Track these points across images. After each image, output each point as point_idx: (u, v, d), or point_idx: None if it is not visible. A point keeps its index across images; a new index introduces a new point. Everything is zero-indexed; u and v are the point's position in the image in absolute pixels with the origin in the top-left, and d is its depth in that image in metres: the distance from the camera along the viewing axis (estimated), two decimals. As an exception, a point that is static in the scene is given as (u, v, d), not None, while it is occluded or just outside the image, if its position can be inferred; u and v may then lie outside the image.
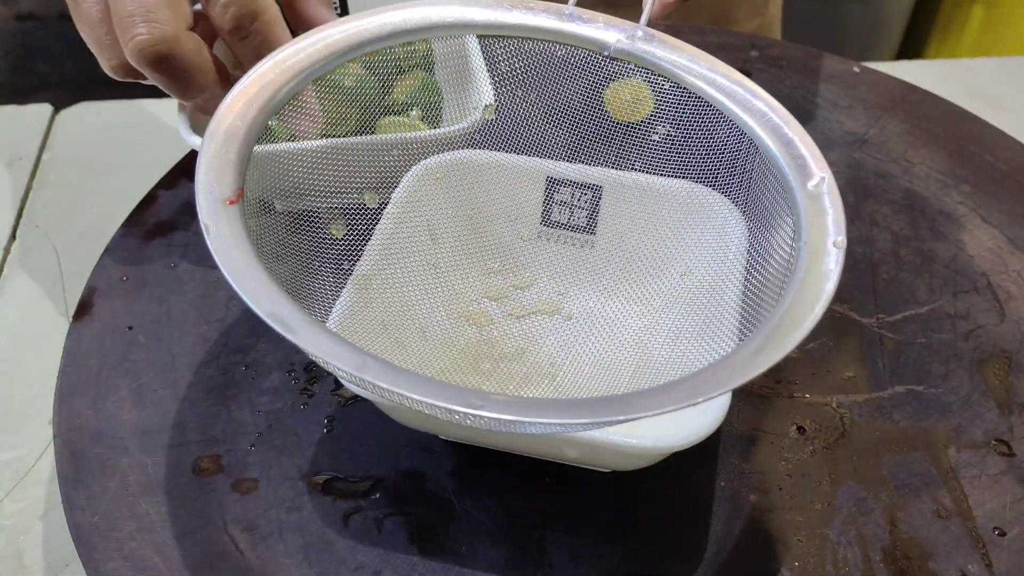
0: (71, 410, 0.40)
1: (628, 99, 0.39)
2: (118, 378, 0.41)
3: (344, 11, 0.51)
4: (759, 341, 0.28)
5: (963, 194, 0.53)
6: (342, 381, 0.34)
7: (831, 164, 0.34)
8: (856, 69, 0.63)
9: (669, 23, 0.65)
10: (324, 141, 0.38)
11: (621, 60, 0.38)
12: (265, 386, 0.41)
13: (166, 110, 0.64)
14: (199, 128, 0.45)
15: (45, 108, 0.64)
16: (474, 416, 0.26)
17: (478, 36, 0.39)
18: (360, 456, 0.38)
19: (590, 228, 0.42)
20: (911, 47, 1.46)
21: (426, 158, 0.41)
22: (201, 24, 0.38)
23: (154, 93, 0.65)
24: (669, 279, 0.41)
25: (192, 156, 0.32)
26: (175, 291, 0.45)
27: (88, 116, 0.64)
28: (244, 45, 0.37)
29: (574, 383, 0.39)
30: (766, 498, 0.37)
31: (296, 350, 0.42)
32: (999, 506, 0.37)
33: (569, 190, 0.42)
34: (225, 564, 0.35)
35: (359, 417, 0.40)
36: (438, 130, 0.42)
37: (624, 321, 0.41)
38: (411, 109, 0.42)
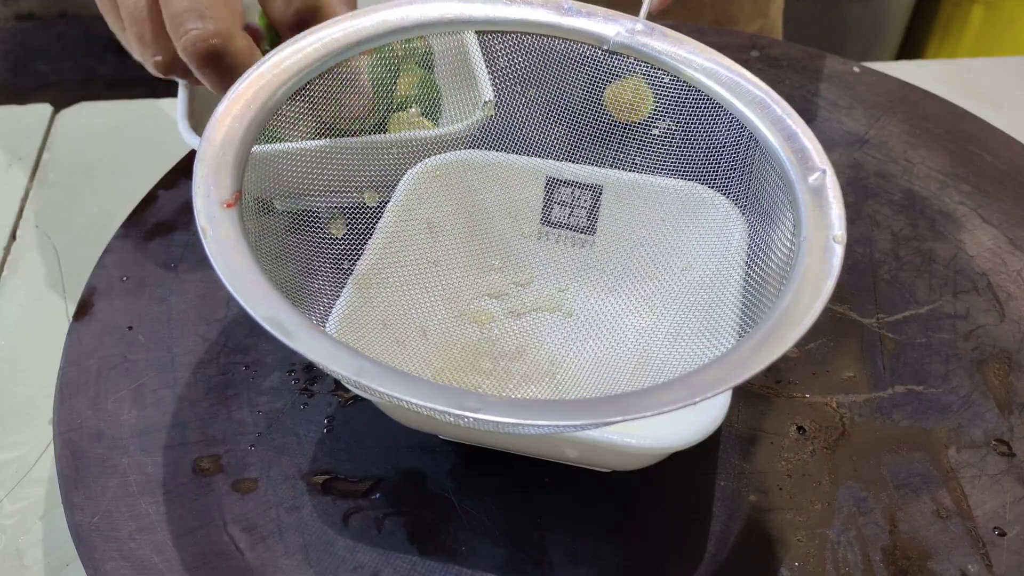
0: (71, 410, 0.40)
1: (629, 99, 0.39)
2: (118, 378, 0.41)
3: None
4: (758, 338, 0.28)
5: (963, 194, 0.53)
6: (343, 382, 0.34)
7: (831, 164, 0.34)
8: (856, 69, 0.63)
9: (671, 23, 0.65)
10: (324, 141, 0.38)
11: (621, 54, 0.38)
12: (265, 386, 0.41)
13: (166, 110, 0.64)
14: (199, 128, 0.45)
15: (45, 108, 0.64)
16: (472, 419, 0.26)
17: (477, 32, 0.38)
18: (360, 456, 0.38)
19: (590, 228, 0.42)
20: (911, 47, 1.46)
21: (426, 158, 0.41)
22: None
23: (154, 93, 0.66)
24: (669, 278, 0.41)
25: (192, 156, 0.32)
26: (175, 291, 0.45)
27: (88, 116, 0.64)
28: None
29: (574, 382, 0.39)
30: (766, 498, 0.37)
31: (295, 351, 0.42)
32: (999, 506, 0.37)
33: (569, 190, 0.42)
34: (225, 564, 0.35)
35: (359, 417, 0.40)
36: (438, 130, 0.42)
37: (624, 319, 0.41)
38: (410, 106, 0.42)
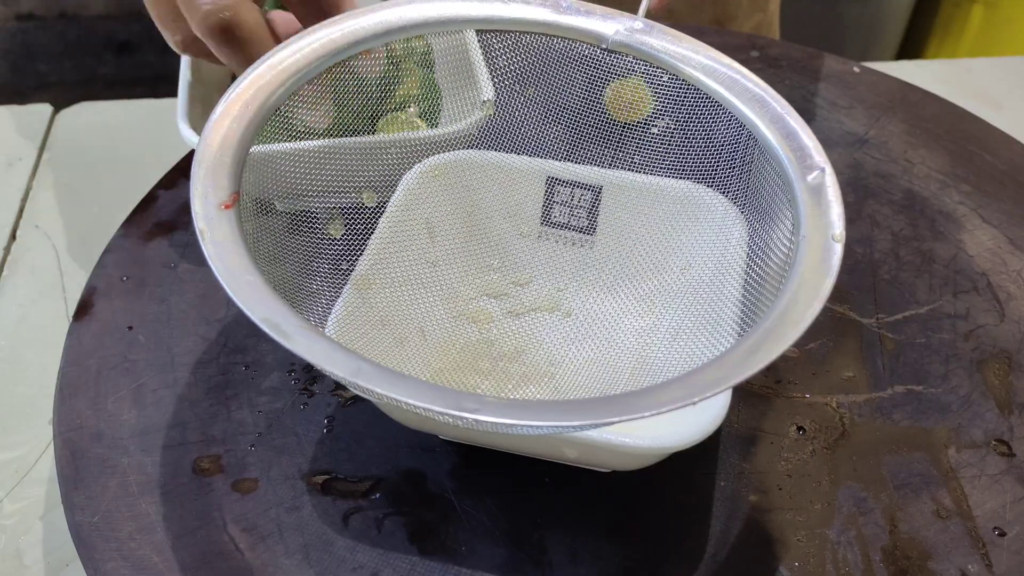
0: (71, 410, 0.40)
1: (629, 99, 0.39)
2: (118, 378, 0.41)
3: None
4: (757, 338, 0.28)
5: (963, 194, 0.53)
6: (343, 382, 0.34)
7: (831, 164, 0.34)
8: (856, 69, 0.63)
9: (671, 21, 0.65)
10: (323, 141, 0.38)
11: (619, 52, 0.38)
12: (265, 386, 0.41)
13: (166, 110, 0.64)
14: (199, 128, 0.45)
15: (45, 108, 0.64)
16: (470, 420, 0.26)
17: (476, 31, 0.38)
18: (360, 456, 0.38)
19: (590, 228, 0.42)
20: (911, 47, 1.46)
21: (426, 158, 0.41)
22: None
23: (154, 93, 0.66)
24: (668, 277, 0.41)
25: (192, 156, 0.32)
26: (175, 291, 0.45)
27: (88, 116, 0.64)
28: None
29: (573, 382, 0.39)
30: (766, 498, 0.37)
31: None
32: (999, 506, 0.37)
33: (569, 190, 0.42)
34: (225, 564, 0.35)
35: (359, 417, 0.40)
36: (438, 130, 0.41)
37: (623, 319, 0.41)
38: (408, 106, 0.42)
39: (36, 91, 1.24)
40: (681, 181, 0.40)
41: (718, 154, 0.38)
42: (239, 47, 0.37)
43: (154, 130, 0.62)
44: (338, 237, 0.38)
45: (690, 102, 0.37)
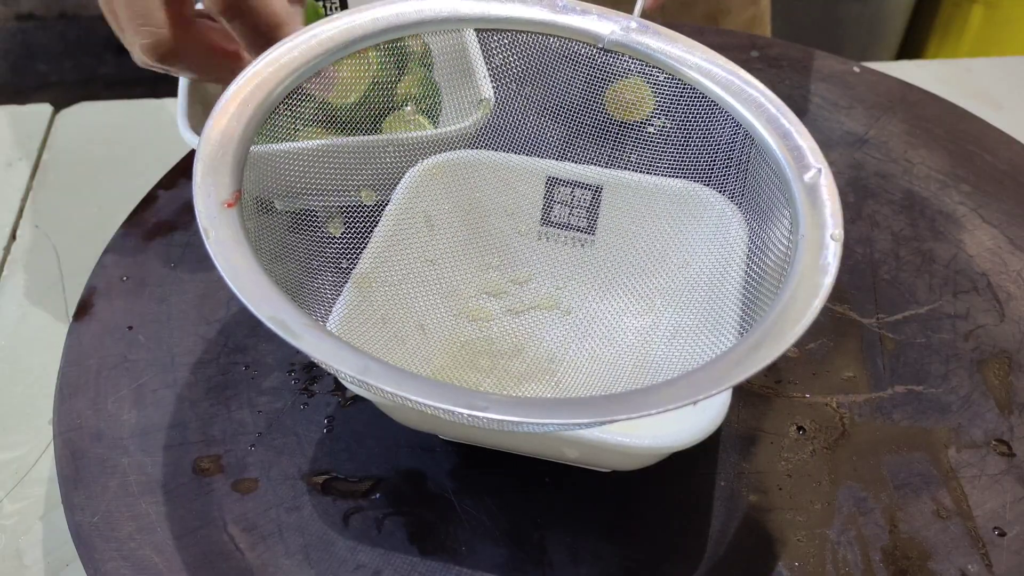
0: (71, 410, 0.40)
1: (629, 99, 0.39)
2: (118, 378, 0.41)
3: (344, 6, 0.51)
4: (756, 337, 0.28)
5: (963, 194, 0.53)
6: (343, 381, 0.34)
7: (831, 164, 0.34)
8: (856, 69, 0.63)
9: (668, 21, 0.65)
10: (323, 141, 0.38)
11: (615, 52, 0.38)
12: (265, 386, 0.41)
13: (166, 110, 0.64)
14: (199, 127, 0.45)
15: (45, 108, 0.64)
16: (480, 418, 0.26)
17: (475, 30, 0.38)
18: (360, 456, 0.38)
19: (590, 228, 0.42)
20: (911, 47, 1.46)
21: (426, 158, 0.41)
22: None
23: (154, 93, 0.66)
24: (668, 277, 0.41)
25: (192, 156, 0.32)
26: (175, 291, 0.45)
27: (88, 116, 0.64)
28: (240, 25, 0.37)
29: (573, 380, 0.39)
30: (766, 498, 0.37)
31: (297, 351, 0.42)
32: (999, 506, 0.37)
33: (569, 190, 0.42)
34: (225, 564, 0.35)
35: (359, 417, 0.40)
36: (437, 130, 0.42)
37: (623, 318, 0.41)
38: (406, 104, 0.42)
39: (36, 91, 1.24)
40: (680, 180, 0.40)
41: (716, 153, 0.38)
42: (188, 68, 0.38)
43: (154, 130, 0.62)
44: (337, 235, 0.38)
45: (687, 102, 0.38)
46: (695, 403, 0.27)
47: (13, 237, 0.54)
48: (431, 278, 0.41)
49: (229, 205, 0.30)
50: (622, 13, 0.38)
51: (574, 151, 0.41)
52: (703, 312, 0.38)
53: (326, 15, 0.43)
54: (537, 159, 0.42)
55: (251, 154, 0.32)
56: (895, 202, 0.52)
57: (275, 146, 0.35)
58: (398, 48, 0.39)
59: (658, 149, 0.40)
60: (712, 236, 0.40)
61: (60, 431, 0.39)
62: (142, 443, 0.39)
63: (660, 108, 0.38)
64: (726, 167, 0.38)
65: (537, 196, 0.42)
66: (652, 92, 0.38)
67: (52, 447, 0.40)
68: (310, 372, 0.42)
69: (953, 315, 0.46)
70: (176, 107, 0.46)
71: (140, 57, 0.38)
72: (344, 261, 0.38)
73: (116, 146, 0.61)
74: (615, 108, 0.39)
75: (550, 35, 0.38)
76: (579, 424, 0.27)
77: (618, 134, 0.40)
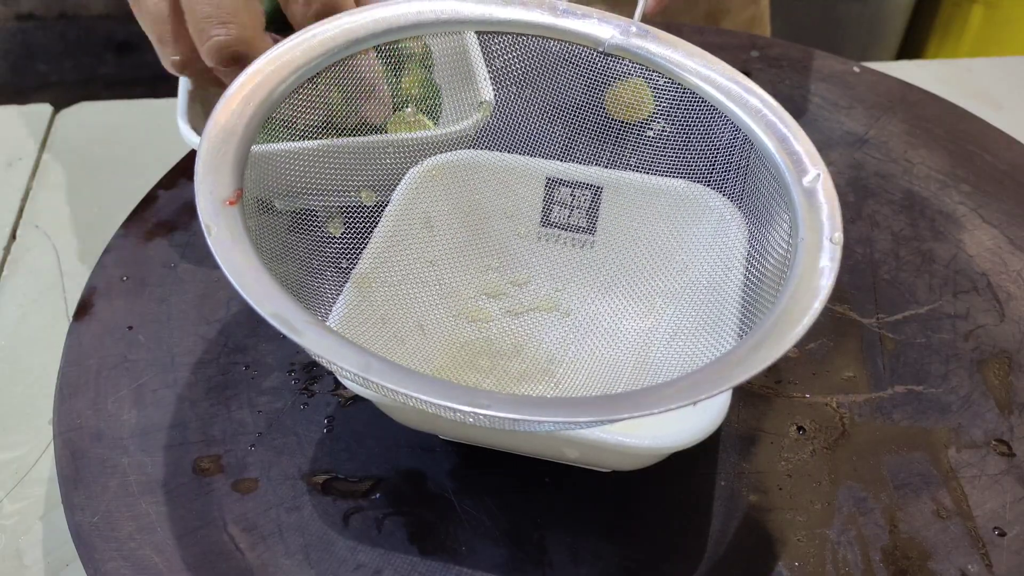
0: (71, 410, 0.40)
1: (629, 100, 0.39)
2: (118, 378, 0.41)
3: None
4: (757, 338, 0.28)
5: (963, 194, 0.53)
6: (343, 381, 0.34)
7: (831, 164, 0.34)
8: (856, 69, 0.63)
9: (669, 20, 0.65)
10: (323, 141, 0.38)
11: (616, 56, 0.38)
12: (265, 386, 0.41)
13: (166, 110, 0.64)
14: (200, 127, 0.45)
15: (45, 108, 0.64)
16: (480, 415, 0.26)
17: (476, 33, 0.39)
18: (360, 456, 0.38)
19: (590, 229, 0.42)
20: (911, 47, 1.47)
21: (426, 158, 0.41)
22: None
23: (154, 93, 0.66)
24: (668, 278, 0.41)
25: (192, 156, 0.32)
26: (175, 291, 0.45)
27: (88, 116, 0.64)
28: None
29: (572, 381, 0.39)
30: (766, 498, 0.37)
31: (297, 349, 0.42)
32: (999, 506, 0.37)
33: (568, 190, 0.42)
34: (225, 564, 0.35)
35: (359, 417, 0.40)
36: (438, 130, 0.42)
37: (622, 319, 0.41)
38: (406, 106, 0.42)
39: (36, 91, 1.24)
40: (680, 181, 0.40)
41: (714, 157, 0.38)
42: None
43: (154, 130, 0.62)
44: (337, 236, 0.38)
45: (687, 105, 0.38)
46: (695, 403, 0.27)
47: (13, 237, 0.54)
48: (431, 279, 0.41)
49: (230, 203, 0.30)
50: (622, 17, 0.38)
51: (575, 152, 0.41)
52: (703, 313, 0.38)
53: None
54: (537, 159, 0.42)
55: (252, 154, 0.32)
56: (895, 202, 0.52)
57: (275, 146, 0.35)
58: (399, 50, 0.39)
59: (658, 153, 0.40)
60: (713, 237, 0.40)
61: (60, 431, 0.39)
62: (142, 443, 0.39)
63: (660, 111, 0.38)
64: (725, 170, 0.38)
65: (537, 196, 0.42)
66: (652, 93, 0.39)
67: (52, 447, 0.40)
68: (310, 372, 0.42)
69: (953, 315, 0.46)
70: (176, 107, 0.46)
71: (214, 55, 0.37)
72: (343, 261, 0.38)
73: (116, 146, 0.61)
74: (615, 108, 0.39)
75: (550, 38, 0.38)
76: (581, 423, 0.27)
77: (619, 138, 0.40)
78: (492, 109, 0.40)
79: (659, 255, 0.41)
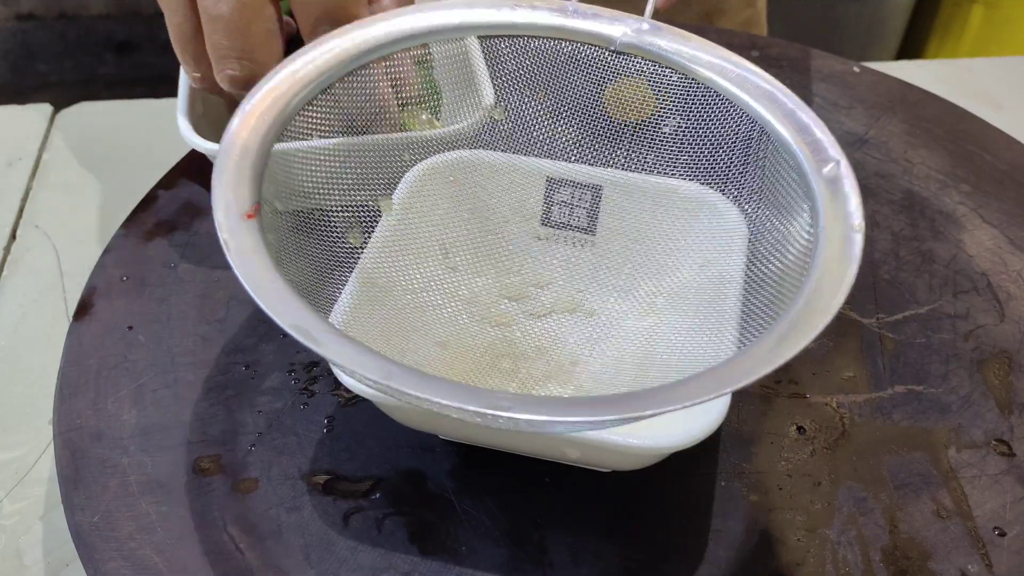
0: (71, 410, 0.40)
1: (629, 99, 0.39)
2: (118, 378, 0.41)
3: None
4: (784, 328, 0.28)
5: (963, 194, 0.53)
6: (342, 380, 0.34)
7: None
8: (856, 69, 0.63)
9: (665, 20, 0.65)
10: (322, 141, 0.38)
11: (628, 54, 0.38)
12: (265, 386, 0.41)
13: (166, 110, 0.63)
14: (200, 128, 0.45)
15: (45, 108, 0.64)
16: (504, 418, 0.26)
17: (483, 36, 0.39)
18: (360, 456, 0.38)
19: (590, 228, 0.42)
20: (911, 47, 1.47)
21: (425, 158, 0.41)
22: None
23: (154, 93, 0.66)
24: (673, 276, 0.41)
25: (192, 156, 0.33)
26: (175, 291, 0.45)
27: (88, 116, 0.64)
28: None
29: (594, 381, 0.39)
30: (766, 498, 0.37)
31: (297, 350, 0.42)
32: (999, 506, 0.37)
33: (569, 190, 0.42)
34: (225, 564, 0.35)
35: (359, 417, 0.40)
36: (438, 130, 0.42)
37: (626, 319, 0.41)
38: (406, 106, 0.42)
39: (36, 91, 1.24)
40: (682, 180, 0.40)
41: (731, 151, 0.38)
42: None
43: (154, 130, 0.62)
44: (358, 245, 0.38)
45: (699, 101, 0.38)
46: (725, 394, 0.27)
47: (13, 237, 0.54)
48: (430, 278, 0.41)
49: (249, 216, 0.30)
50: (632, 15, 0.38)
51: (577, 153, 0.41)
52: (705, 313, 0.38)
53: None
54: (537, 159, 0.42)
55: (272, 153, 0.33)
56: (895, 202, 0.52)
57: (278, 145, 0.35)
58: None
59: (672, 152, 0.40)
60: (714, 237, 0.40)
61: (60, 431, 0.39)
62: (142, 443, 0.39)
63: (668, 109, 0.38)
64: (743, 165, 0.38)
65: (537, 196, 0.42)
66: (653, 91, 0.38)
67: (52, 447, 0.40)
68: (310, 372, 0.42)
69: (953, 315, 0.46)
70: (176, 107, 0.46)
71: (227, 84, 0.39)
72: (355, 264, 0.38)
73: (116, 146, 0.61)
74: (615, 108, 0.39)
75: (561, 39, 0.38)
76: (606, 422, 0.27)
77: (622, 136, 0.40)
78: (493, 112, 0.40)
79: (662, 256, 0.41)
